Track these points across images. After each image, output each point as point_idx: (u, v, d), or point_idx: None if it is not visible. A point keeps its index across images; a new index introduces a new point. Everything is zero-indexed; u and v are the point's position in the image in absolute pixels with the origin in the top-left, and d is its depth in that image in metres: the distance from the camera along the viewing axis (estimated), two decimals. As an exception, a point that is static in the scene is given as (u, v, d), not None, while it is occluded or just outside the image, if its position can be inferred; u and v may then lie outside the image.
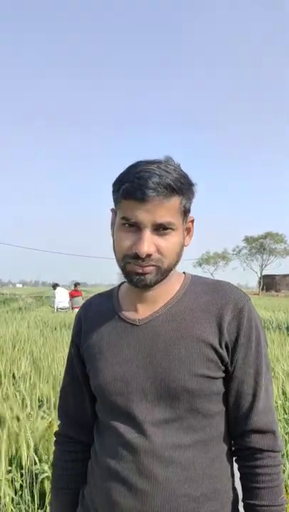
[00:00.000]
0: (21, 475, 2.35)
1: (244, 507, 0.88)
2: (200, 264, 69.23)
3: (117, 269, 0.89)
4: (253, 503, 0.85)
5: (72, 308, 14.59)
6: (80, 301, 14.38)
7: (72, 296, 15.00)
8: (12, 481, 2.30)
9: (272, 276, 58.34)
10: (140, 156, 0.85)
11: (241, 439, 0.88)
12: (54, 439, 1.07)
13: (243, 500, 0.88)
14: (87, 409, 1.00)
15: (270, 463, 0.85)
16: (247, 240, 61.39)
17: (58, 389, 4.05)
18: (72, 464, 1.01)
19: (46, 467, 2.31)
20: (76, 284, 15.80)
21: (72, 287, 16.24)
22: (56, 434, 1.06)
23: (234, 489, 0.90)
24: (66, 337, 7.34)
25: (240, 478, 0.89)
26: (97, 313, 0.97)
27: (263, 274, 60.25)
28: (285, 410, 3.55)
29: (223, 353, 0.85)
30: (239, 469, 0.89)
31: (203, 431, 0.85)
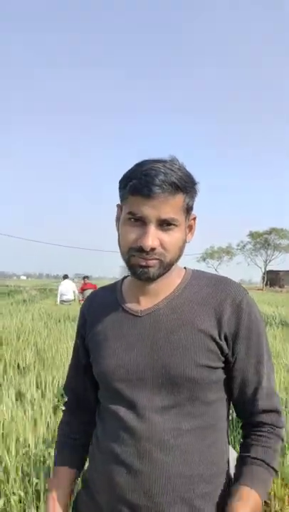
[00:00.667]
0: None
1: (237, 459, 0.92)
2: (204, 259, 69.15)
3: (120, 263, 0.93)
4: (248, 455, 0.89)
5: (80, 300, 14.55)
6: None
7: (82, 289, 14.97)
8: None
9: (276, 272, 58.16)
10: (140, 157, 0.89)
11: (249, 418, 0.93)
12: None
13: (237, 457, 0.93)
14: (90, 399, 1.05)
15: (271, 431, 0.90)
16: (252, 235, 61.15)
17: (60, 379, 4.10)
18: (76, 441, 1.07)
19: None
20: (85, 278, 15.78)
21: (76, 280, 16.20)
22: (61, 422, 1.12)
23: (228, 474, 0.93)
24: (70, 329, 7.39)
25: (241, 446, 0.93)
26: (101, 305, 1.01)
27: (267, 269, 60.09)
28: (286, 404, 3.58)
29: (223, 344, 0.88)
30: (243, 438, 0.94)
31: (202, 417, 0.88)
